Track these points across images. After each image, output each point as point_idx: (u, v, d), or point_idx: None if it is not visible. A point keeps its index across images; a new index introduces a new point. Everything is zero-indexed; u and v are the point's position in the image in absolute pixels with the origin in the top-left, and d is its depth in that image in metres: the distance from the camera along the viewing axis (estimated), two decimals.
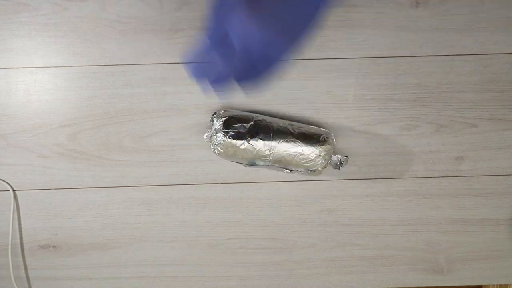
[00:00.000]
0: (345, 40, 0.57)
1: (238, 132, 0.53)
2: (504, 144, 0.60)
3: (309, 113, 0.59)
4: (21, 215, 0.61)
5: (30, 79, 0.56)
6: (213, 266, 0.63)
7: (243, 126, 0.54)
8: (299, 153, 0.54)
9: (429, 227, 0.63)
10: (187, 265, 0.63)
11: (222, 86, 0.39)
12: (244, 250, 0.63)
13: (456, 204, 0.62)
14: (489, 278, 0.65)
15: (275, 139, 0.53)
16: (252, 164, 0.55)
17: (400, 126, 0.59)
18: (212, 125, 0.55)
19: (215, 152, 0.55)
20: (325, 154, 0.54)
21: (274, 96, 0.59)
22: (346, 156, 0.55)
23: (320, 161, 0.54)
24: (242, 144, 0.53)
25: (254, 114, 0.56)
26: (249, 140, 0.53)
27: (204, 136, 0.56)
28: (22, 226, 0.61)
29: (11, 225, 0.60)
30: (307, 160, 0.54)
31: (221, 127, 0.53)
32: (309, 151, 0.54)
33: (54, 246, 0.62)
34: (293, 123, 0.56)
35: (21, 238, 0.62)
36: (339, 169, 0.55)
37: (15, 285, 0.61)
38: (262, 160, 0.54)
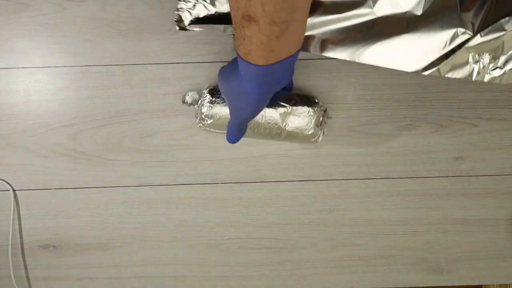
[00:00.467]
0: None
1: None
2: (504, 144, 0.60)
3: None
4: (21, 215, 0.61)
5: (30, 79, 0.56)
6: (213, 266, 0.63)
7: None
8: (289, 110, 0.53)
9: (429, 227, 0.63)
10: (187, 265, 0.63)
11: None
12: (244, 250, 0.63)
13: (456, 204, 0.62)
14: (489, 278, 0.65)
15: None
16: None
17: (400, 126, 0.59)
18: (198, 107, 0.54)
19: (204, 126, 0.54)
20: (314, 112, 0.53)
21: None
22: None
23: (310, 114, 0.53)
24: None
25: None
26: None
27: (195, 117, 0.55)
28: (22, 226, 0.61)
29: (11, 225, 0.60)
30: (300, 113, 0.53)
31: (207, 97, 0.53)
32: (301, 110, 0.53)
33: (54, 246, 0.62)
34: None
35: (21, 238, 0.62)
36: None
37: (15, 285, 0.61)
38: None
